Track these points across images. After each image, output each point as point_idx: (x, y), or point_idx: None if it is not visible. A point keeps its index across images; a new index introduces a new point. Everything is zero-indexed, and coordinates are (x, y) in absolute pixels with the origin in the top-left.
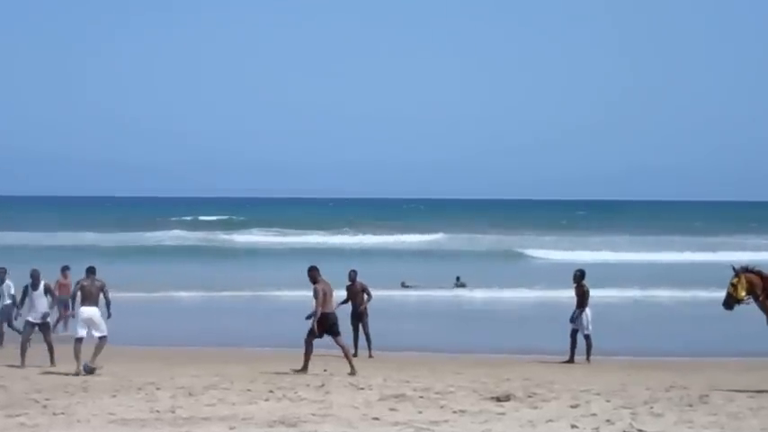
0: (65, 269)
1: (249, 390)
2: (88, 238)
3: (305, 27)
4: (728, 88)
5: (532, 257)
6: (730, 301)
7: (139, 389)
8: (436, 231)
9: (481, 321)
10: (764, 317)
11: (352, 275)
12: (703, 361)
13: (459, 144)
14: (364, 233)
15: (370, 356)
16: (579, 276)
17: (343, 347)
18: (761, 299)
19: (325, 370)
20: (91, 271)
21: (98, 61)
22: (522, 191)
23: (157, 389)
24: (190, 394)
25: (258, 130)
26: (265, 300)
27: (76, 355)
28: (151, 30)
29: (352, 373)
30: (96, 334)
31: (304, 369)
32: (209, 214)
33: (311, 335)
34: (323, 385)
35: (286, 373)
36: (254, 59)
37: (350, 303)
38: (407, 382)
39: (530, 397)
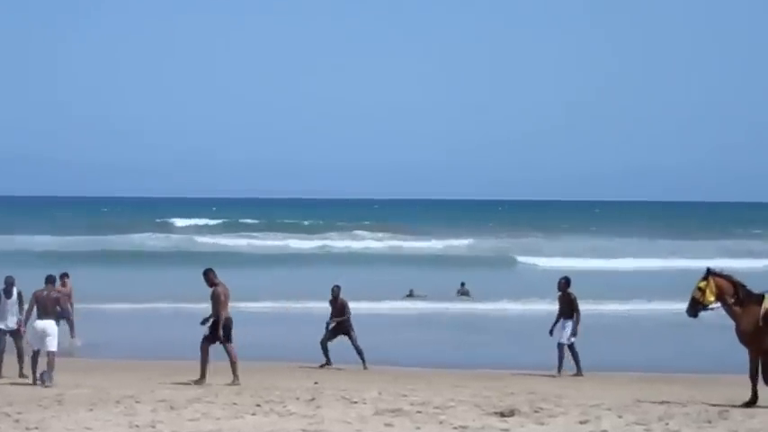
0: (63, 276)
1: (235, 403)
2: (59, 242)
3: (293, 25)
4: (733, 86)
5: (537, 265)
6: (696, 307)
7: (118, 402)
8: (435, 235)
9: (484, 334)
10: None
11: (336, 291)
12: (721, 376)
13: (452, 145)
14: (360, 238)
15: (365, 368)
16: (564, 284)
17: (230, 354)
18: (730, 305)
19: (315, 383)
20: (49, 280)
21: (89, 61)
22: (520, 192)
23: (137, 402)
24: (171, 408)
25: (250, 131)
26: (248, 311)
27: (32, 368)
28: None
29: (234, 383)
30: (47, 348)
31: (201, 379)
32: (195, 216)
33: (207, 341)
34: (313, 399)
35: (274, 386)
36: (239, 60)
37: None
38: (404, 395)
39: (536, 412)
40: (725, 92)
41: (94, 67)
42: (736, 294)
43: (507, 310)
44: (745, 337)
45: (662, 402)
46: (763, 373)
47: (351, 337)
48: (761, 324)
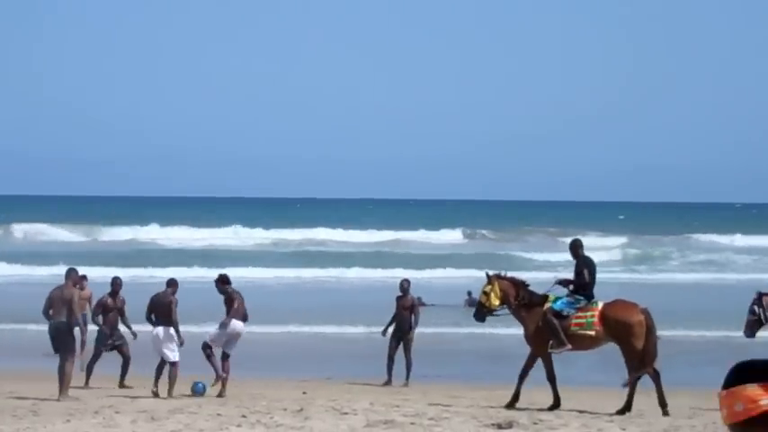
0: (81, 279)
1: (219, 414)
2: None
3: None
4: (749, 80)
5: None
6: (482, 312)
7: (96, 412)
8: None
9: (488, 351)
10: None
11: (405, 286)
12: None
13: (457, 143)
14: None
15: (407, 384)
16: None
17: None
18: (515, 308)
19: (304, 392)
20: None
21: (74, 55)
22: (527, 192)
23: (116, 412)
24: (152, 419)
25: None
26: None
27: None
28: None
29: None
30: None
31: None
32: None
33: None
34: (302, 410)
35: (261, 396)
36: (232, 54)
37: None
38: (397, 406)
39: (535, 424)
40: (739, 90)
41: (81, 61)
42: (518, 296)
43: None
44: (528, 337)
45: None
46: (546, 372)
47: (406, 347)
48: (540, 324)
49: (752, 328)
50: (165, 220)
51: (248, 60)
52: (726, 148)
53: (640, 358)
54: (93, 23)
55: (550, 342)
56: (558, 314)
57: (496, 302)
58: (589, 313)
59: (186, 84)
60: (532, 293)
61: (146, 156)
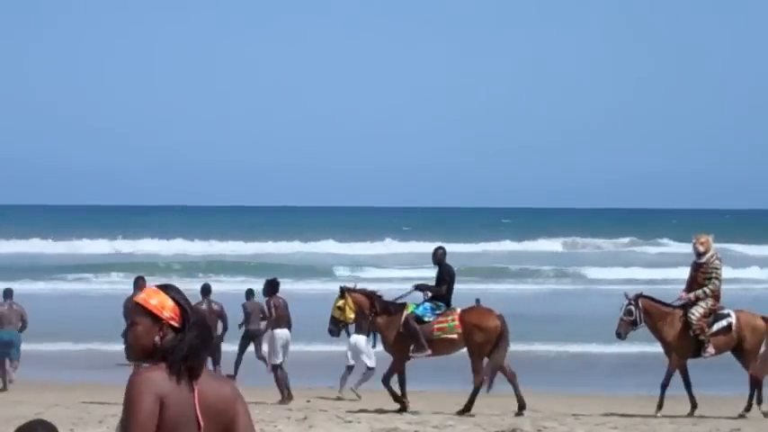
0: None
1: None
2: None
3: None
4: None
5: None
6: (338, 326)
7: (100, 422)
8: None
9: None
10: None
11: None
12: (733, 395)
13: (460, 152)
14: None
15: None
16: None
17: None
18: (371, 318)
19: (308, 401)
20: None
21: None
22: (531, 198)
23: None
24: None
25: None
26: None
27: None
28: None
29: None
30: None
31: None
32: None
33: None
34: (306, 418)
35: (265, 404)
36: (228, 58)
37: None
38: (400, 414)
39: (539, 431)
40: (739, 96)
41: (78, 64)
42: (373, 307)
43: None
44: (388, 346)
45: (671, 421)
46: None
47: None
48: (401, 331)
49: (625, 328)
50: (166, 231)
51: (247, 64)
52: (724, 155)
53: (493, 361)
54: (91, 26)
55: (411, 347)
56: (420, 319)
57: (351, 315)
58: (450, 317)
59: (185, 89)
60: (387, 303)
61: (143, 164)
